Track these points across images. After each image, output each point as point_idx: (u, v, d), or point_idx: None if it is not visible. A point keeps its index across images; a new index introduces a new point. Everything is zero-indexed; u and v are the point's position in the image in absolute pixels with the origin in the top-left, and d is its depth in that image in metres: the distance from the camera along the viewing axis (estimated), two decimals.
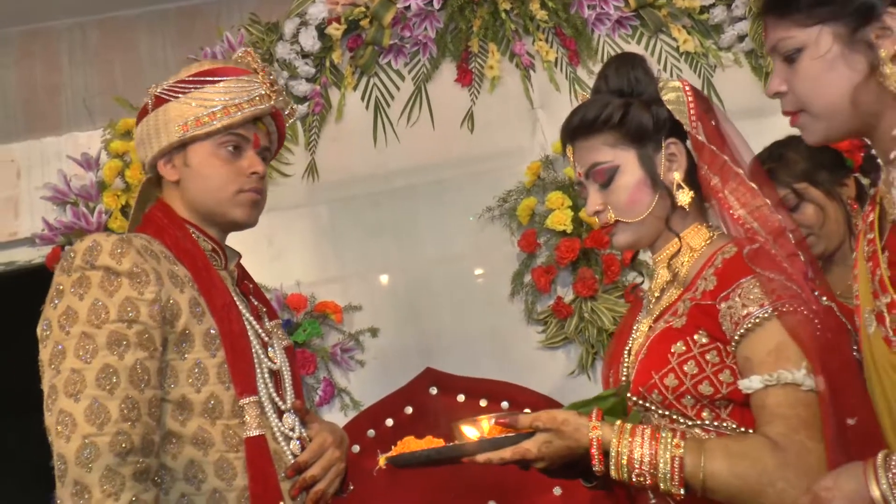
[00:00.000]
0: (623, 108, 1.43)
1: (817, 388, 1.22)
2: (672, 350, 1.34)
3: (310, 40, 2.69)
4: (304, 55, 2.72)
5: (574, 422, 1.30)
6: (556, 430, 1.31)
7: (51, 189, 2.66)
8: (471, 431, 1.38)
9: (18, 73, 2.97)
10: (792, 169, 1.93)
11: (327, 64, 2.74)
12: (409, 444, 1.40)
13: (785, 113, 1.20)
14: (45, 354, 1.34)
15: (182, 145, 1.52)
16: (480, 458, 1.32)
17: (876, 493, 1.03)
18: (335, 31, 2.70)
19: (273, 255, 2.58)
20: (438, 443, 1.38)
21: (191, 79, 1.53)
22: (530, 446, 1.31)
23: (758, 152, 2.03)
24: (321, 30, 2.72)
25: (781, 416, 1.24)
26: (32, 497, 3.86)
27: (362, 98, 2.76)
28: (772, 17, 1.18)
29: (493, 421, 1.38)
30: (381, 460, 1.38)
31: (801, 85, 1.16)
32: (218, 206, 1.53)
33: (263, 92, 1.55)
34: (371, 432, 2.42)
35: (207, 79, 1.52)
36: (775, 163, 1.96)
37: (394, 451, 1.39)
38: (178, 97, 1.51)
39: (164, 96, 1.52)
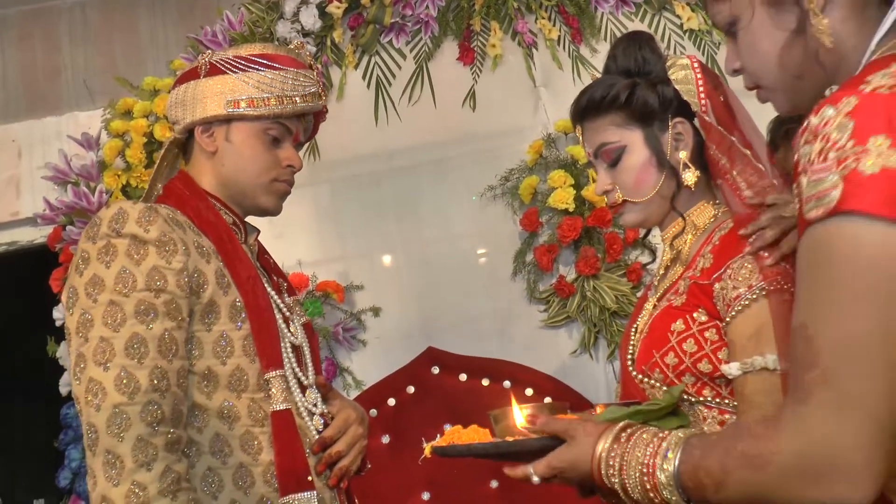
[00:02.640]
0: (629, 88, 1.42)
1: (787, 368, 1.20)
2: (672, 328, 1.34)
3: (310, 19, 2.68)
4: (305, 34, 2.70)
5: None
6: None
7: (52, 169, 2.66)
8: (518, 418, 1.35)
9: (19, 53, 2.97)
10: None
11: (328, 43, 2.73)
12: (456, 434, 1.38)
13: (748, 89, 1.15)
14: (71, 322, 1.33)
15: (227, 120, 1.52)
16: (518, 472, 1.26)
17: (598, 448, 1.12)
18: (336, 9, 2.68)
19: (274, 234, 2.57)
20: (484, 433, 1.36)
21: (253, 58, 1.52)
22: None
23: (764, 125, 2.01)
24: (322, 8, 2.70)
25: (757, 405, 1.24)
26: (37, 477, 3.88)
27: (363, 77, 2.75)
28: None
29: (527, 411, 1.36)
30: (427, 449, 1.36)
31: (744, 59, 1.11)
32: (251, 188, 1.53)
33: (315, 90, 1.57)
34: (373, 412, 2.42)
35: (270, 63, 1.52)
36: (794, 124, 1.92)
37: (440, 441, 1.37)
38: (235, 72, 1.50)
39: (220, 67, 1.51)
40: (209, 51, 1.56)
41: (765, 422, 0.94)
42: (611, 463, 1.12)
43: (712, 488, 0.98)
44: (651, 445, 1.08)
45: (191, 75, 1.54)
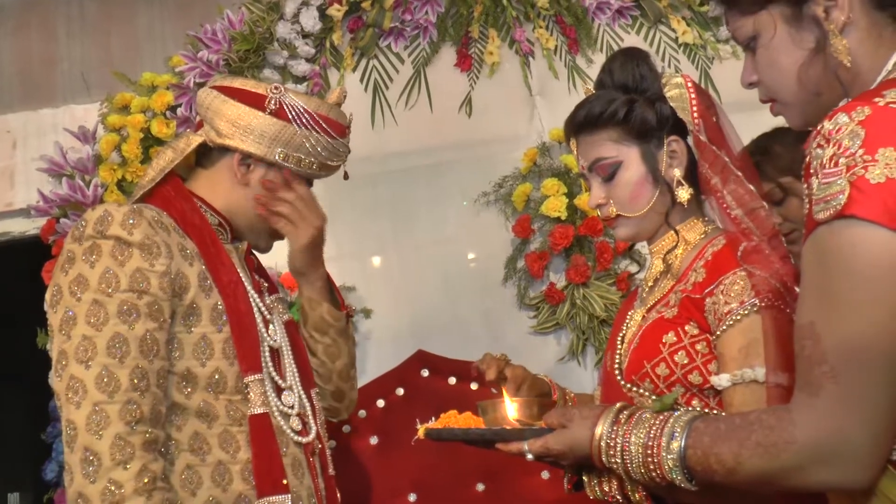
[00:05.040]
0: (628, 104, 1.45)
1: (775, 382, 1.23)
2: (664, 340, 1.37)
3: (310, 20, 2.69)
4: (305, 35, 2.71)
5: None
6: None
7: (47, 161, 2.65)
8: (510, 410, 1.36)
9: (15, 43, 2.96)
10: (777, 162, 1.93)
11: (327, 45, 2.75)
12: (452, 419, 1.39)
13: (762, 102, 1.19)
14: (54, 320, 1.36)
15: (268, 163, 1.57)
16: (513, 447, 1.28)
17: (598, 430, 1.16)
18: (336, 11, 2.70)
19: None
20: (479, 421, 1.38)
21: (318, 117, 1.56)
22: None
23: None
24: (322, 10, 2.71)
25: None
26: (19, 470, 3.87)
27: (361, 80, 2.77)
28: (725, 7, 1.18)
29: (516, 405, 1.37)
30: (421, 430, 1.38)
31: (762, 74, 1.15)
32: (257, 229, 1.60)
33: (345, 158, 1.67)
34: (362, 413, 2.44)
35: (327, 128, 1.58)
36: (761, 156, 1.96)
37: (436, 424, 1.39)
38: (299, 127, 1.55)
39: (288, 113, 1.55)
40: (280, 85, 1.57)
41: (776, 413, 0.99)
42: (611, 444, 1.15)
43: (723, 474, 1.02)
44: (654, 426, 1.11)
45: (255, 101, 1.55)
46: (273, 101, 1.54)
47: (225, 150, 1.57)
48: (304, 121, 1.55)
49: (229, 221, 1.57)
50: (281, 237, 1.65)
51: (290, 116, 1.55)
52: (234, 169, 1.56)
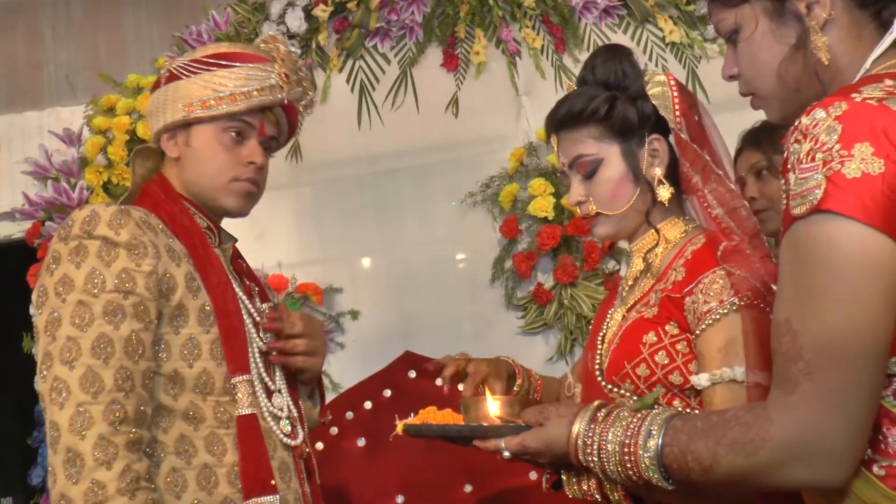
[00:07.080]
0: (609, 101, 1.44)
1: (754, 381, 1.22)
2: (644, 340, 1.36)
3: (296, 21, 2.68)
4: (290, 36, 2.71)
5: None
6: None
7: (32, 164, 2.64)
8: (492, 407, 1.35)
9: (0, 45, 2.94)
10: (774, 135, 1.92)
11: (313, 45, 2.74)
12: (431, 415, 1.38)
13: (742, 95, 1.19)
14: (40, 321, 1.34)
15: (186, 124, 1.51)
16: (490, 444, 1.26)
17: (575, 429, 1.15)
18: (322, 12, 2.69)
19: (255, 235, 2.57)
20: (458, 418, 1.37)
21: (205, 59, 1.51)
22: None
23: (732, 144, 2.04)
24: (308, 11, 2.71)
25: None
26: (8, 475, 3.84)
27: (347, 81, 2.76)
28: (709, 0, 1.18)
29: (499, 402, 1.35)
30: (399, 426, 1.37)
31: (742, 67, 1.15)
32: (211, 191, 1.52)
33: (275, 83, 1.52)
34: (349, 414, 2.43)
35: (221, 62, 1.50)
36: (763, 131, 1.96)
37: (415, 420, 1.38)
38: (188, 76, 1.50)
39: (176, 73, 1.52)
40: (173, 56, 1.57)
41: (752, 410, 0.98)
42: (588, 443, 1.14)
43: (699, 472, 1.01)
44: (632, 425, 1.10)
45: (156, 85, 1.56)
46: (164, 73, 1.54)
47: (157, 143, 1.57)
48: (191, 68, 1.51)
49: (217, 225, 1.56)
50: (256, 199, 1.58)
51: (179, 73, 1.52)
52: (166, 149, 1.54)
